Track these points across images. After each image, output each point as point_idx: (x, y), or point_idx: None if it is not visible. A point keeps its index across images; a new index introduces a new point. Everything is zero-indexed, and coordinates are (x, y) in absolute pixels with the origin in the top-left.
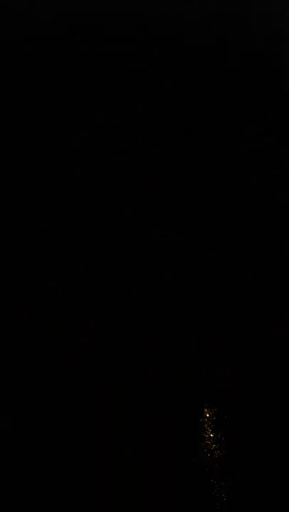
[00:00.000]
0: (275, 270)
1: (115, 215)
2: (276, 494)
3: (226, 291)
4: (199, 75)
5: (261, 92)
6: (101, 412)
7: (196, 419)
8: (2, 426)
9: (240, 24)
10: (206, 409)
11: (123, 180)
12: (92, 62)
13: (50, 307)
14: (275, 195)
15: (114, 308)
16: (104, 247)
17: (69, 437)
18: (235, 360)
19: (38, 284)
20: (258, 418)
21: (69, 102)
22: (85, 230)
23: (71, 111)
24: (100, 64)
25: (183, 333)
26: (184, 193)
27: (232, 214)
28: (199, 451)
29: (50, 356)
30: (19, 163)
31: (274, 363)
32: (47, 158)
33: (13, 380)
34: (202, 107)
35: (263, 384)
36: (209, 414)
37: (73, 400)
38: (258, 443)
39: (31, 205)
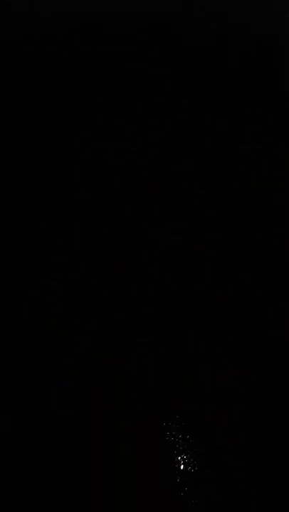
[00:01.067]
0: (275, 270)
1: (115, 215)
2: (276, 494)
3: (226, 291)
4: (199, 75)
5: (261, 92)
6: (101, 412)
7: (196, 419)
8: (2, 426)
9: (240, 24)
10: (205, 409)
11: (123, 180)
12: (92, 62)
13: (50, 307)
14: (275, 195)
15: (114, 308)
16: (104, 247)
17: (69, 437)
18: (235, 360)
19: (38, 284)
20: (258, 418)
21: (69, 102)
22: (85, 230)
23: (71, 111)
24: (100, 64)
25: (183, 333)
26: (184, 193)
27: (232, 214)
28: (199, 450)
29: (50, 356)
30: (19, 163)
31: (274, 363)
32: (47, 158)
33: (13, 380)
34: (202, 107)
35: (263, 384)
36: (209, 415)
37: (73, 399)
38: (259, 443)
39: (31, 205)
